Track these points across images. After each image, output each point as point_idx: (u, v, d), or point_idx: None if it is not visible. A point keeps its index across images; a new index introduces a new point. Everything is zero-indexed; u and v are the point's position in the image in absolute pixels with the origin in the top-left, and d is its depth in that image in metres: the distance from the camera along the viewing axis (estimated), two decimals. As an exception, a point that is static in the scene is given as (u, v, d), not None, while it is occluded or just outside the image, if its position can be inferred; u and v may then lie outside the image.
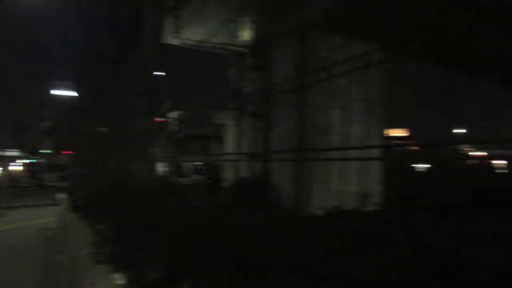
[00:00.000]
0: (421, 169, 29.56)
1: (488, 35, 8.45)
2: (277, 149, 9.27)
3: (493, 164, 31.50)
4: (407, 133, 39.82)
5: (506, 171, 24.59)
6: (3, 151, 48.84)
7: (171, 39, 11.81)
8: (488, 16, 7.42)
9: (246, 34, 10.42)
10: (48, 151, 44.84)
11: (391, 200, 9.50)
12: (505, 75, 13.40)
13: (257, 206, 6.91)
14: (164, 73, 17.42)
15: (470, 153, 32.63)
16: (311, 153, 8.82)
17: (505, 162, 25.08)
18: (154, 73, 10.45)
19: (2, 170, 46.58)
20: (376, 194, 9.80)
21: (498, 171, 27.36)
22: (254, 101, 9.73)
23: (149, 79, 9.36)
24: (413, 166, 29.00)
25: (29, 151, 45.98)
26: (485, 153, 29.99)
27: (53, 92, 40.64)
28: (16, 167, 47.40)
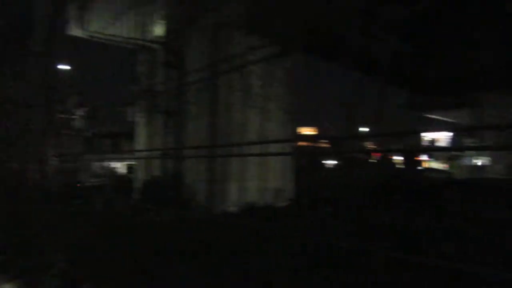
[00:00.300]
0: (330, 166, 31.28)
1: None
2: (191, 151, 9.18)
3: (393, 159, 34.38)
4: (316, 131, 41.94)
5: (403, 166, 26.98)
6: None
7: (76, 31, 11.09)
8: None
9: (158, 30, 10.13)
10: None
11: (301, 196, 9.95)
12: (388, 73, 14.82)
13: (169, 206, 6.77)
14: (69, 67, 16.21)
15: (373, 150, 35.23)
16: (224, 150, 8.85)
17: (402, 157, 27.44)
18: (57, 66, 9.69)
19: None
20: (288, 190, 10.17)
21: (397, 166, 29.91)
22: (166, 98, 9.51)
23: (46, 71, 8.61)
24: (322, 163, 30.60)
25: None
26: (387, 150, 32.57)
27: None
28: None
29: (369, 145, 31.48)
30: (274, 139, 9.80)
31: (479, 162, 24.22)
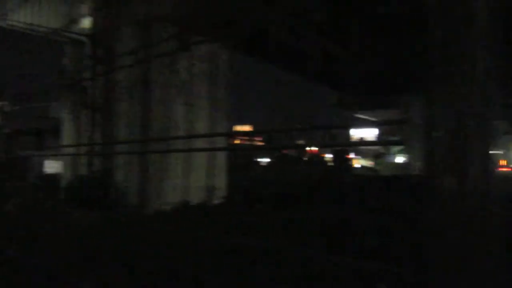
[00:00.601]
0: (264, 163, 31.77)
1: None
2: (121, 147, 8.88)
3: (325, 157, 35.69)
4: (251, 128, 42.46)
5: (332, 163, 28.10)
6: None
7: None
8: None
9: (86, 22, 9.66)
10: None
11: (235, 193, 10.01)
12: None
13: (95, 206, 6.52)
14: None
15: (306, 148, 36.36)
16: (156, 147, 8.67)
17: (331, 155, 28.59)
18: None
19: None
20: (223, 188, 10.18)
21: (328, 163, 31.11)
22: (94, 93, 9.11)
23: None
24: (256, 160, 31.00)
25: None
26: (317, 148, 33.85)
27: None
28: None
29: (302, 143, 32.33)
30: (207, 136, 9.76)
31: (402, 159, 25.88)
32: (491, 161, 1.19)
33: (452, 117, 1.19)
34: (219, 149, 10.27)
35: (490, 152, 1.20)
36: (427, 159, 1.25)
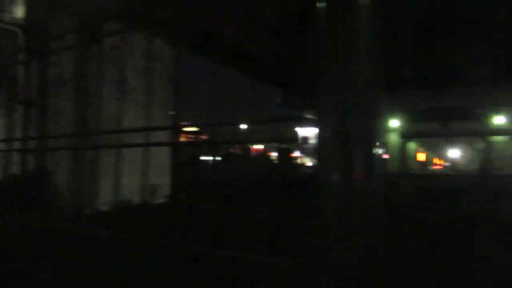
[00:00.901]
0: (210, 161, 31.65)
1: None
2: (56, 143, 8.43)
3: (271, 156, 36.20)
4: (197, 128, 42.08)
5: (278, 161, 28.63)
6: None
7: None
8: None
9: (18, 11, 9.08)
10: None
11: (180, 192, 9.92)
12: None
13: (30, 207, 6.16)
14: None
15: (252, 147, 36.67)
16: (95, 143, 8.36)
17: (276, 154, 29.09)
18: None
19: None
20: (167, 186, 10.04)
21: (275, 162, 31.59)
22: (28, 88, 8.59)
23: None
24: (203, 159, 30.80)
25: None
26: (263, 147, 34.32)
27: None
28: None
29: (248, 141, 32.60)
30: (149, 134, 9.54)
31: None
32: (376, 162, 1.26)
33: (337, 117, 1.24)
34: (159, 144, 10.07)
35: (376, 152, 1.27)
36: (317, 158, 1.30)
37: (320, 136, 1.26)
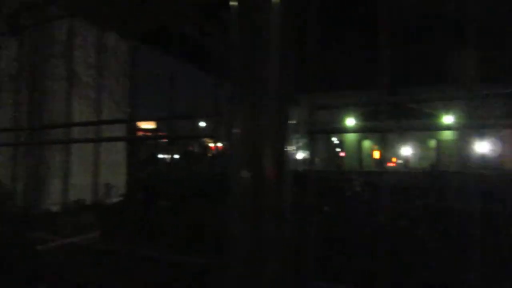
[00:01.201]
0: (168, 159, 31.19)
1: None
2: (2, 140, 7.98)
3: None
4: (154, 125, 41.26)
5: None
6: None
7: None
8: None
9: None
10: None
11: (136, 190, 9.65)
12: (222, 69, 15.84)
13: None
14: None
15: (210, 145, 36.48)
16: (44, 139, 8.01)
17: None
18: None
19: None
20: (122, 185, 9.75)
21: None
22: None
23: None
24: (160, 157, 30.29)
25: None
26: (222, 145, 34.16)
27: None
28: None
29: (208, 141, 32.52)
30: (106, 131, 9.26)
31: (302, 155, 27.37)
32: (288, 161, 1.27)
33: (248, 114, 1.24)
34: (109, 140, 9.80)
35: (288, 151, 1.28)
36: (229, 155, 1.31)
37: (231, 133, 1.25)
